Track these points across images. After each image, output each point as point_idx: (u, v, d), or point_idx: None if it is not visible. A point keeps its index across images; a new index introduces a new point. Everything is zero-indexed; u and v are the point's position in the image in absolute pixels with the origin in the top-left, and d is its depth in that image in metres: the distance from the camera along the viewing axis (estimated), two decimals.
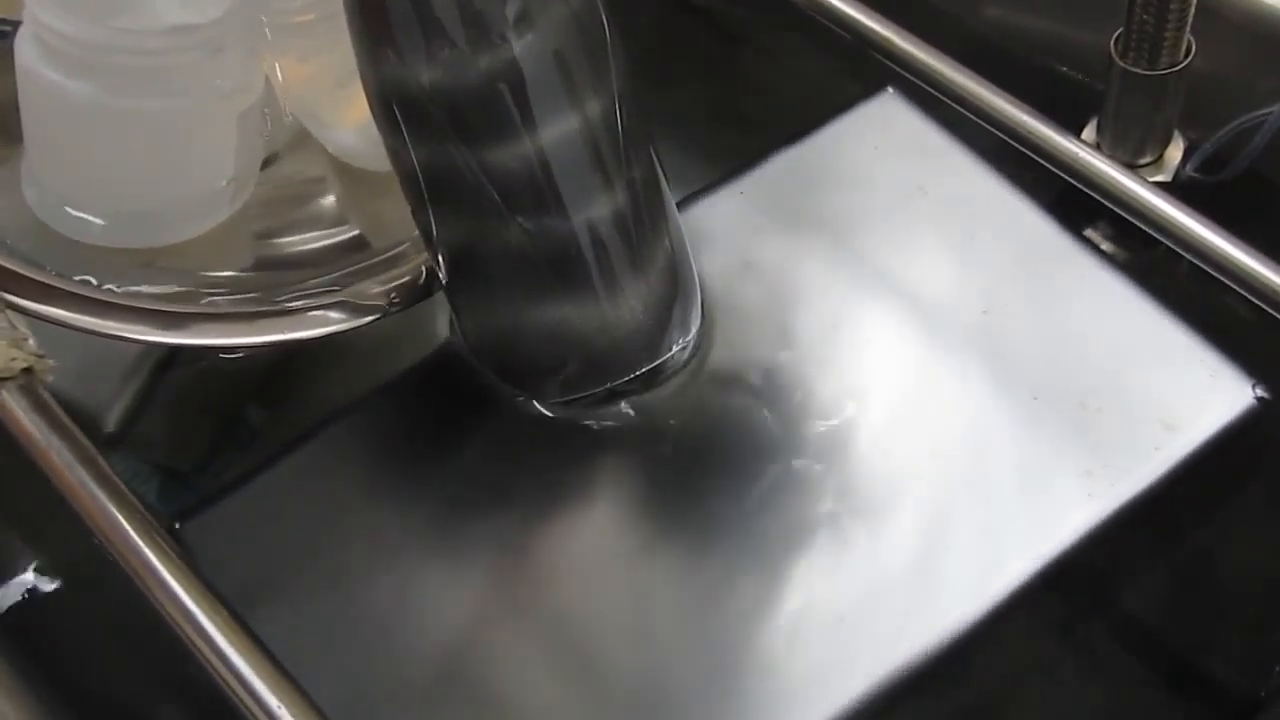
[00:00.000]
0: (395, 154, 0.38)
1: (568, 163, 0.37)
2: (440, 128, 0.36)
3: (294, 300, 0.44)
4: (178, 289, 0.44)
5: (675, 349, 0.43)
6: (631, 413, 0.43)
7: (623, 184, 0.39)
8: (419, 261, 0.44)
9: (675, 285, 0.42)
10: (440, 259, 0.41)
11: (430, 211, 0.39)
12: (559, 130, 0.36)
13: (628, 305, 0.40)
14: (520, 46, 0.34)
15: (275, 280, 0.45)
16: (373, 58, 0.36)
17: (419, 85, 0.35)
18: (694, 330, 0.43)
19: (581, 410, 0.43)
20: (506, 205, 0.37)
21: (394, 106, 0.36)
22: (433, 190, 0.38)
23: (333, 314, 0.43)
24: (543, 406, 0.43)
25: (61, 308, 0.39)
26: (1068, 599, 0.44)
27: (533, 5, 0.34)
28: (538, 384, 0.43)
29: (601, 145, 0.37)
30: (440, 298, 0.43)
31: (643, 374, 0.42)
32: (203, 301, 0.43)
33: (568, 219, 0.38)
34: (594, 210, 0.38)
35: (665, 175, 0.41)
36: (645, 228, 0.40)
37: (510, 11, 0.33)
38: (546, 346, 0.41)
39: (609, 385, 0.42)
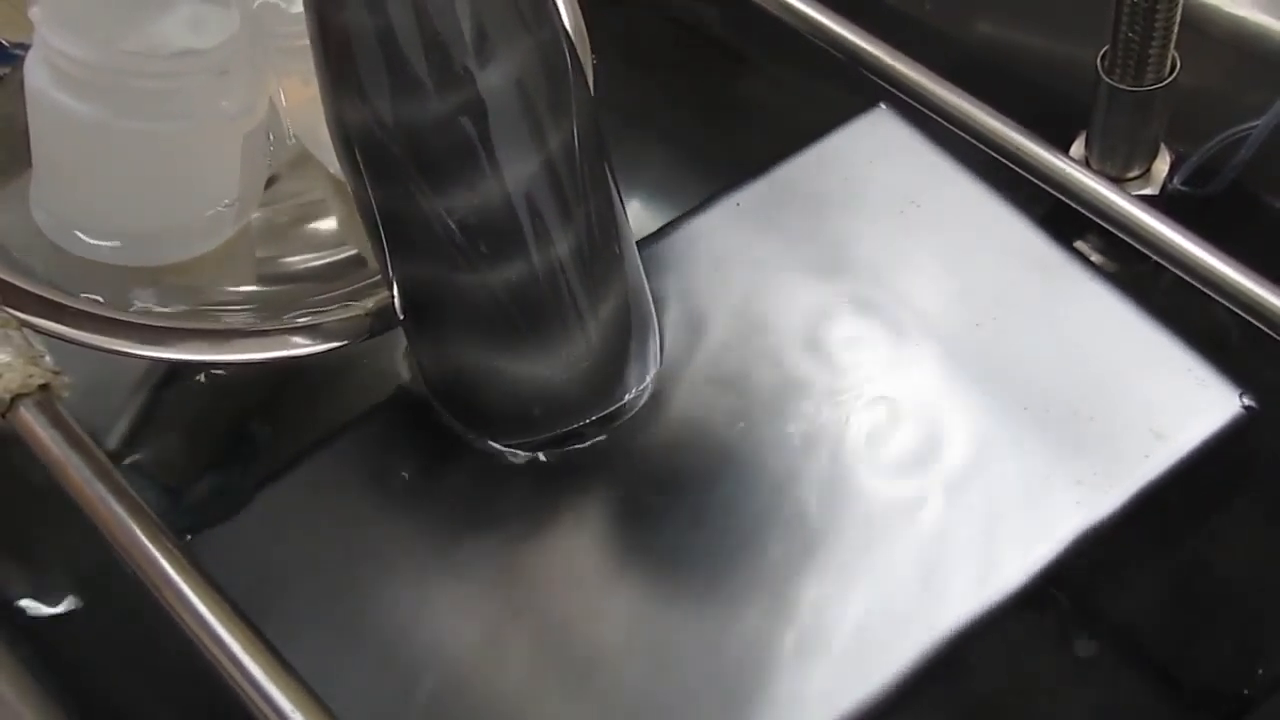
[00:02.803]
0: (355, 193, 0.38)
1: (528, 200, 0.36)
2: (400, 164, 0.35)
3: (295, 317, 0.44)
4: (182, 307, 0.44)
5: (632, 393, 0.43)
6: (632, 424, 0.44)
7: (582, 222, 0.38)
8: None
9: (632, 327, 0.42)
10: (398, 298, 0.40)
11: (387, 250, 0.38)
12: (521, 167, 0.35)
13: (585, 347, 0.40)
14: (484, 80, 0.33)
15: (277, 297, 0.46)
16: (334, 92, 0.34)
17: (379, 121, 0.34)
18: (652, 372, 0.44)
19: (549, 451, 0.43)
20: (464, 243, 0.36)
21: (353, 143, 0.35)
22: (390, 228, 0.37)
23: (332, 330, 0.43)
24: (501, 447, 0.43)
25: (70, 325, 0.40)
26: (1061, 604, 0.45)
27: (498, 39, 0.33)
28: (494, 426, 0.43)
29: (563, 182, 0.37)
30: None
31: (601, 417, 0.43)
32: (205, 318, 0.44)
33: (527, 258, 0.37)
34: (553, 249, 0.37)
35: (624, 211, 0.41)
36: (604, 266, 0.40)
37: (473, 45, 0.32)
38: (501, 386, 0.41)
39: (565, 429, 0.42)
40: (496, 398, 0.42)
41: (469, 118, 0.33)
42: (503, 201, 0.35)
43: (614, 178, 0.40)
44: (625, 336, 0.42)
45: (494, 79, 0.33)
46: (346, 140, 0.35)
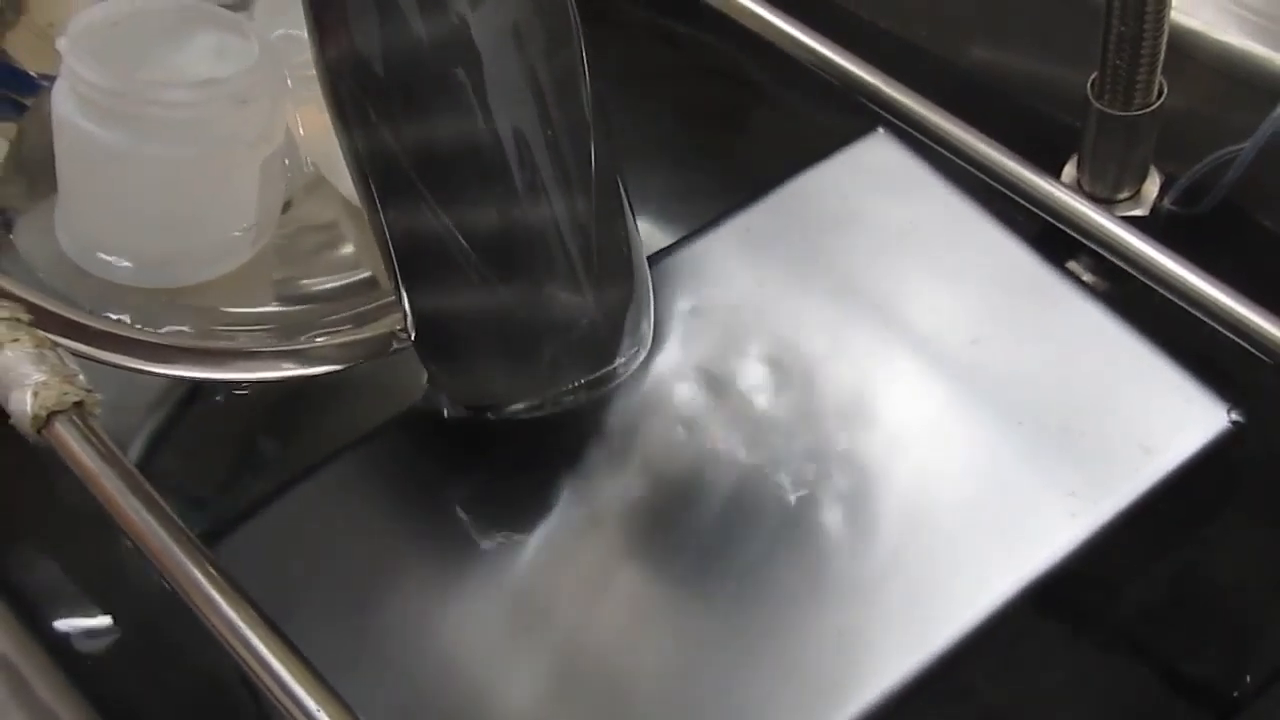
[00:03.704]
0: (350, 150, 0.38)
1: (524, 148, 0.36)
2: (392, 112, 0.35)
3: (310, 337, 0.46)
4: (201, 327, 0.46)
5: (624, 358, 0.43)
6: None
7: (579, 174, 0.38)
8: None
9: (631, 287, 0.42)
10: (392, 256, 0.40)
11: (380, 206, 0.38)
12: (515, 114, 0.35)
13: (582, 301, 0.40)
14: (477, 21, 0.33)
15: (292, 318, 0.47)
16: (325, 40, 0.35)
17: (371, 69, 0.34)
18: (649, 339, 0.43)
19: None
20: (459, 189, 0.36)
21: (343, 94, 0.36)
22: (378, 179, 0.38)
23: (346, 350, 0.45)
24: (496, 417, 0.43)
25: (95, 345, 0.41)
26: (1053, 613, 0.46)
27: None
28: (485, 390, 0.43)
29: (560, 135, 0.37)
30: None
31: (592, 380, 0.42)
32: (224, 338, 0.46)
33: (520, 206, 0.37)
34: (550, 200, 0.37)
35: (622, 176, 0.41)
36: (604, 223, 0.40)
37: None
38: (495, 345, 0.41)
39: (561, 389, 0.42)
40: (490, 357, 0.42)
41: (462, 64, 0.34)
42: (493, 145, 0.36)
43: (609, 137, 0.39)
44: (623, 295, 0.42)
45: (488, 18, 0.34)
46: (335, 88, 0.36)
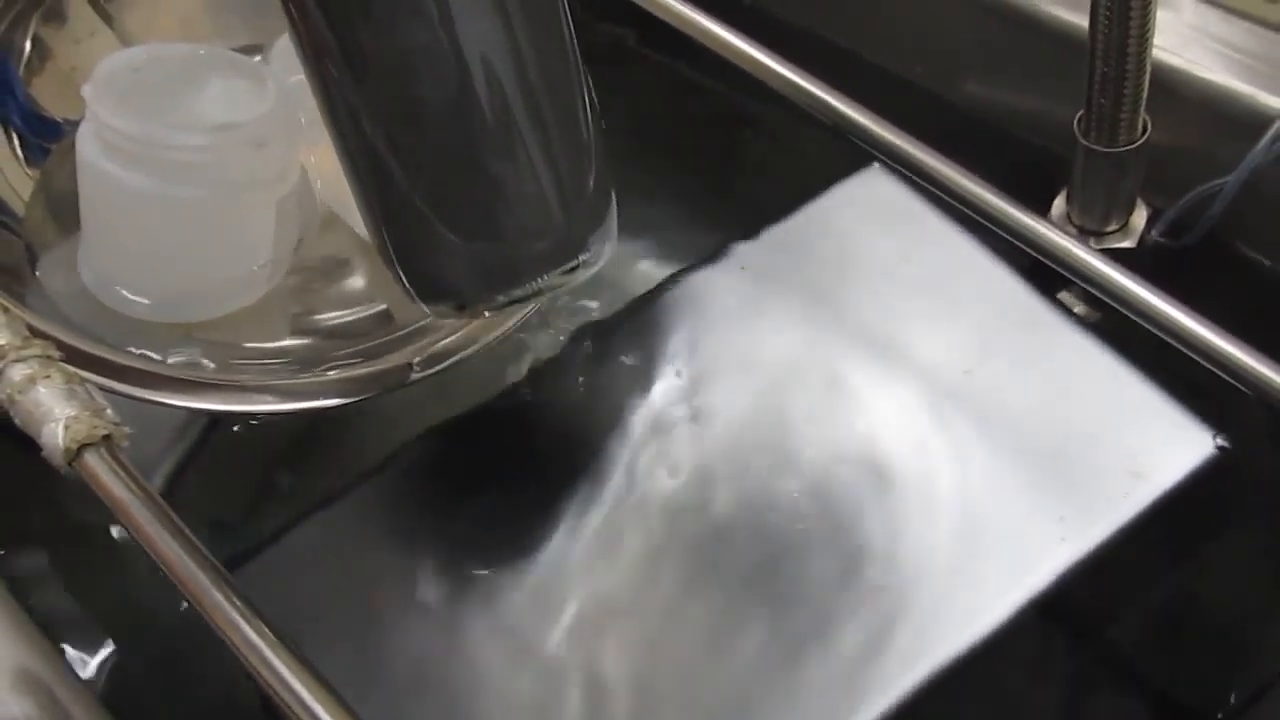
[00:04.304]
0: (310, 48, 0.37)
1: (483, 41, 0.36)
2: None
3: (325, 370, 0.47)
4: (220, 360, 0.47)
5: (589, 253, 0.42)
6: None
7: (541, 65, 0.37)
8: (440, 335, 0.47)
9: (592, 179, 0.41)
10: (356, 162, 0.39)
11: (344, 102, 0.38)
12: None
13: (544, 193, 0.39)
14: None
15: (307, 351, 0.49)
16: None
17: None
18: (614, 232, 0.43)
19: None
20: (416, 87, 0.36)
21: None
22: (345, 74, 0.37)
23: (360, 383, 0.46)
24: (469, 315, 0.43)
25: (117, 379, 0.43)
26: (1045, 635, 0.47)
27: None
28: (455, 284, 0.41)
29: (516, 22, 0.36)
30: (460, 370, 0.46)
31: (565, 270, 0.41)
32: (241, 371, 0.47)
33: (481, 99, 0.37)
34: (510, 92, 0.37)
35: (579, 66, 0.40)
36: (562, 114, 0.39)
37: None
38: (454, 235, 0.40)
39: (529, 284, 0.41)
40: (457, 254, 0.41)
41: None
42: (449, 38, 0.36)
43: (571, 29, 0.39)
44: (580, 184, 0.41)
45: None
46: None
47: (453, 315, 0.44)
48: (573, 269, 0.42)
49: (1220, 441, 0.45)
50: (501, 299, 0.42)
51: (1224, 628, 0.48)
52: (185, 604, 0.32)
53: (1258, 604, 0.48)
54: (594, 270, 0.42)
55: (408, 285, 0.42)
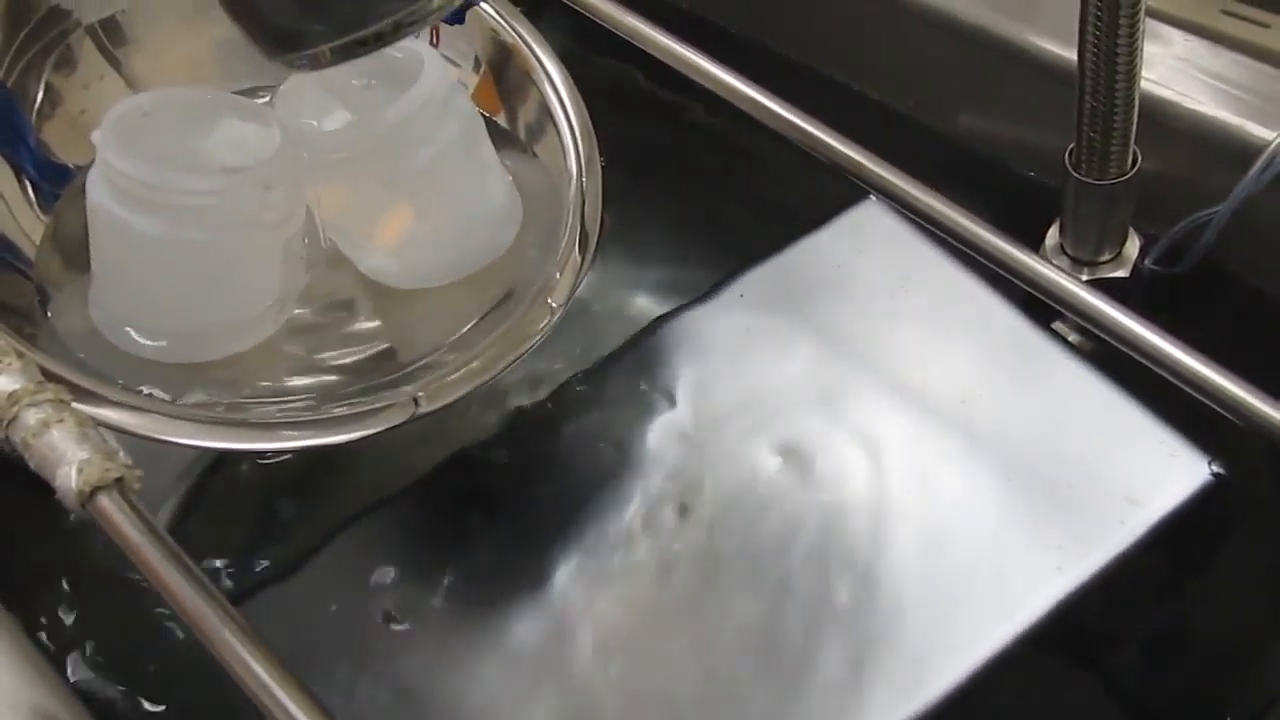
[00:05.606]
0: None
1: None
2: None
3: (330, 408, 0.48)
4: (227, 399, 0.48)
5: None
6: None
7: None
8: (444, 371, 0.48)
9: None
10: None
11: None
12: None
13: None
14: None
15: (313, 389, 0.49)
16: None
17: None
18: None
19: None
20: None
21: None
22: None
23: (365, 420, 0.46)
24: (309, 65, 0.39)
25: (126, 417, 0.43)
26: (1042, 662, 0.47)
27: None
28: (294, 26, 0.39)
29: None
30: (464, 403, 0.47)
31: (408, 14, 0.38)
32: (248, 410, 0.48)
33: None
34: None
35: None
36: None
37: None
38: None
39: (370, 27, 0.38)
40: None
41: None
42: None
43: None
44: None
45: None
46: None
47: (306, 65, 0.40)
48: (414, 15, 0.38)
49: (1215, 468, 0.46)
50: (352, 37, 0.39)
51: (1220, 654, 0.48)
52: (196, 641, 0.33)
53: (1254, 630, 0.48)
54: (438, 15, 0.39)
55: (254, 35, 0.39)
